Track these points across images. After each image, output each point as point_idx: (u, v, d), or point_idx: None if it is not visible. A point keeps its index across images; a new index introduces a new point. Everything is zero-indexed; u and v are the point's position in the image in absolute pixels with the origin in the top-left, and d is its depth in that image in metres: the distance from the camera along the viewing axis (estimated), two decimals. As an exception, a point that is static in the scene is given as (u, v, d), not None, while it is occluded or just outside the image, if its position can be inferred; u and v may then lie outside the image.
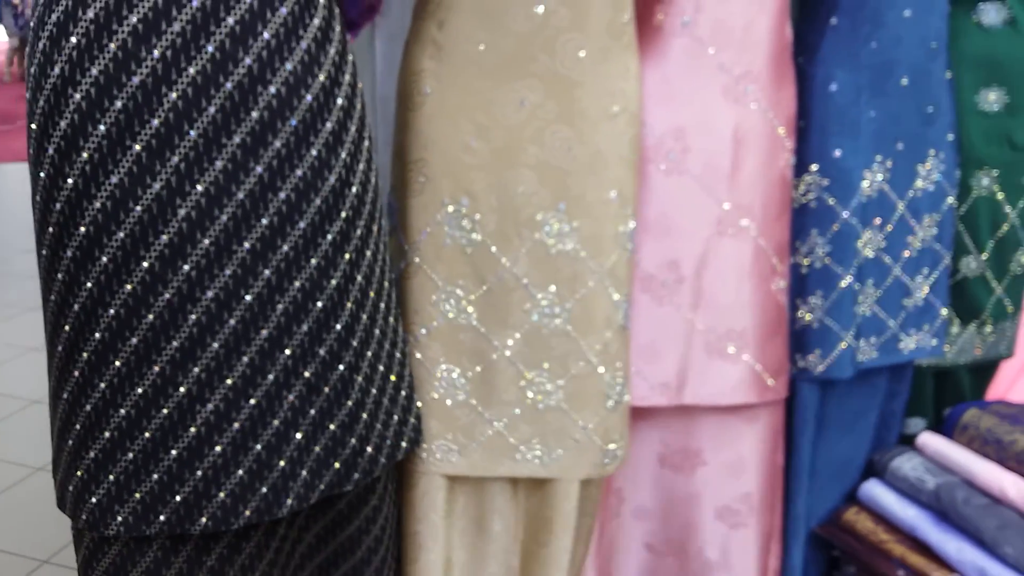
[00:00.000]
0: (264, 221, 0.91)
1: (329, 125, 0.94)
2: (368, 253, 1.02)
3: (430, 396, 1.22)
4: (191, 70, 0.85)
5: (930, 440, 1.71)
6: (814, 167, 1.48)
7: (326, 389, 0.98)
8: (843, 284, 1.50)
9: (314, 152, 0.93)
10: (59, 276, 0.88)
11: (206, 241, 0.89)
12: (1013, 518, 1.50)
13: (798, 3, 1.52)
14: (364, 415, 1.03)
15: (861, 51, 1.45)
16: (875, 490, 1.70)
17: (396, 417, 1.10)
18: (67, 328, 0.89)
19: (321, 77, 0.93)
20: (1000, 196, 1.69)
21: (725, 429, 1.47)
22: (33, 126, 0.87)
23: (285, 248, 0.92)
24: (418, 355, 1.20)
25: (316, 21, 0.93)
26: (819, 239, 1.50)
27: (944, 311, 1.64)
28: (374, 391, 1.05)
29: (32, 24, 0.88)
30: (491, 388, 1.22)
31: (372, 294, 1.03)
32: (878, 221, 1.53)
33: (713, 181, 1.34)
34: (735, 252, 1.37)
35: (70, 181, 0.85)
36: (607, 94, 1.14)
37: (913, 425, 1.84)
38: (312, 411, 0.98)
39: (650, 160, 1.32)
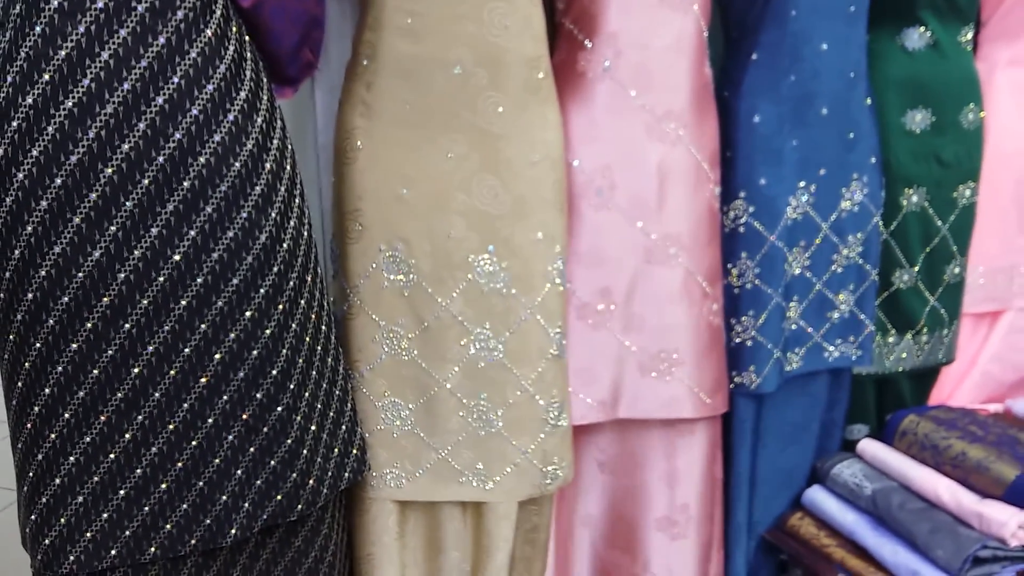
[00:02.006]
0: (199, 280, 0.99)
1: (258, 188, 1.02)
2: (302, 302, 1.10)
3: (377, 427, 1.30)
4: (125, 147, 0.94)
5: (869, 446, 1.79)
6: (742, 194, 1.57)
7: (264, 429, 1.07)
8: (771, 304, 1.59)
9: (244, 214, 1.01)
10: (11, 337, 0.97)
11: (145, 301, 0.97)
12: (946, 521, 1.56)
13: (722, 40, 1.61)
14: (304, 451, 1.12)
15: (781, 84, 1.53)
16: (817, 496, 1.78)
17: (337, 450, 1.19)
18: (19, 384, 0.98)
19: (249, 145, 1.01)
20: (931, 211, 1.77)
21: (659, 441, 1.56)
22: None
23: (220, 303, 1.01)
24: (364, 390, 1.29)
25: (243, 94, 1.01)
26: (749, 262, 1.59)
27: (869, 324, 1.73)
28: (313, 428, 1.13)
29: None
30: (434, 418, 1.30)
31: (308, 339, 1.11)
32: (803, 243, 1.62)
33: (640, 213, 1.42)
34: (663, 278, 1.46)
35: (16, 252, 0.94)
36: (527, 144, 1.23)
37: (856, 431, 1.92)
38: (252, 449, 1.07)
39: (581, 196, 1.40)
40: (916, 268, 1.79)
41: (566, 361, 1.36)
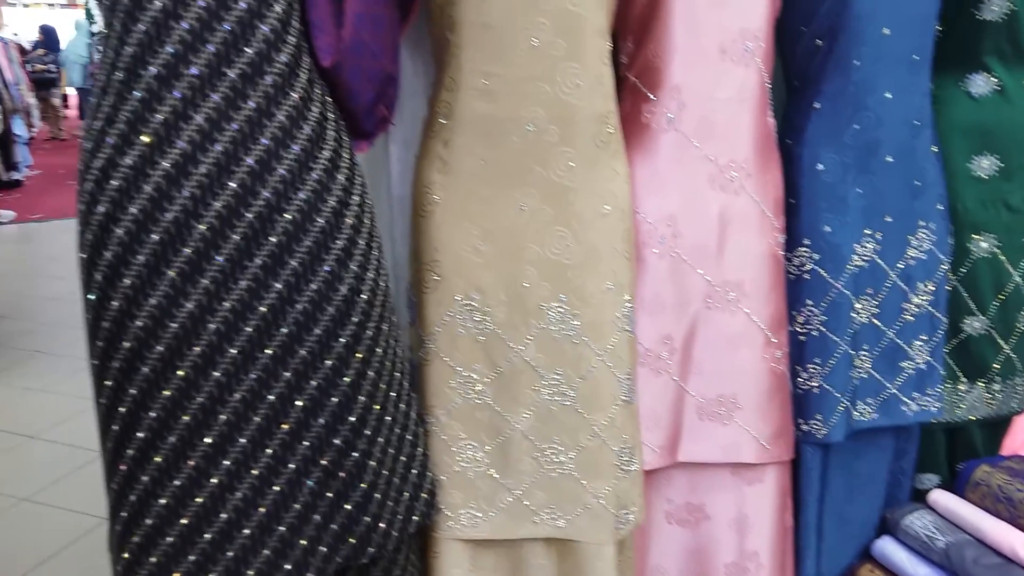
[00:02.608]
0: (284, 330, 1.04)
1: (340, 242, 1.07)
2: (379, 350, 1.14)
3: (453, 470, 1.33)
4: (217, 204, 1.00)
5: (941, 497, 1.75)
6: (806, 241, 1.57)
7: (342, 474, 1.11)
8: (839, 351, 1.58)
9: (326, 268, 1.06)
10: (107, 383, 1.02)
11: (233, 351, 1.02)
12: (1022, 578, 1.53)
13: (784, 87, 1.62)
14: (377, 495, 1.15)
15: (845, 132, 1.54)
16: (888, 547, 1.74)
17: (407, 494, 1.22)
18: (115, 428, 1.03)
19: (331, 201, 1.06)
20: (1002, 258, 1.74)
21: (725, 488, 1.55)
22: (83, 256, 1.02)
23: (303, 353, 1.05)
24: (440, 434, 1.32)
25: (325, 153, 1.07)
26: (814, 309, 1.58)
27: (944, 374, 1.70)
28: (386, 472, 1.17)
29: (79, 168, 1.03)
30: (508, 460, 1.33)
31: (383, 386, 1.15)
32: (870, 290, 1.61)
33: (701, 261, 1.44)
34: (724, 324, 1.47)
35: (115, 304, 1.00)
36: (598, 196, 1.26)
37: (926, 481, 1.88)
38: (329, 494, 1.10)
39: (644, 245, 1.42)
40: (988, 315, 1.76)
41: (636, 406, 1.38)
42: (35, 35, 10.16)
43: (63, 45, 10.00)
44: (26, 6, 12.80)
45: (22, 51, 9.07)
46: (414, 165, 1.28)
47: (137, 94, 0.97)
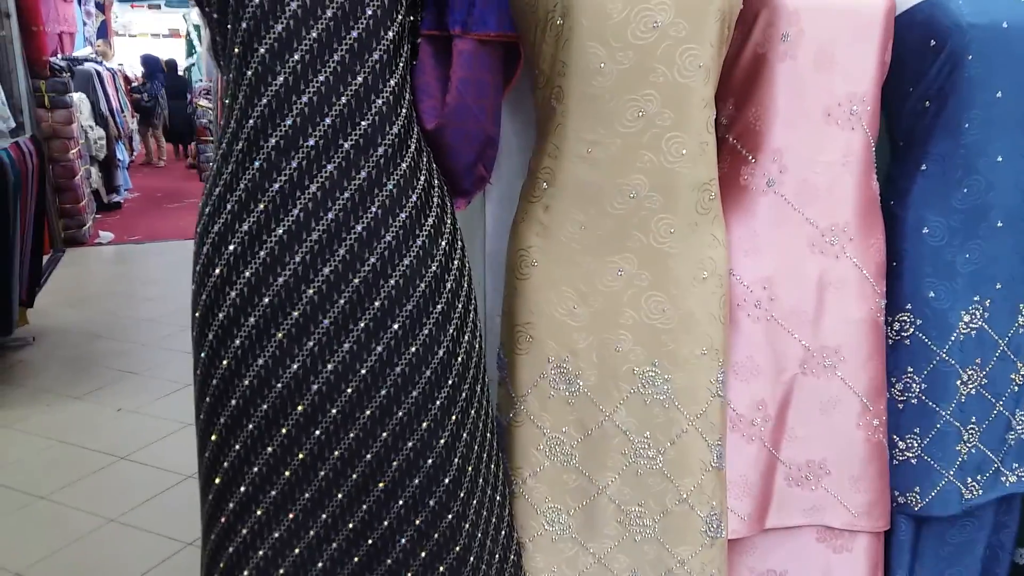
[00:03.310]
0: (383, 392, 1.06)
1: (439, 307, 1.09)
2: (472, 411, 1.15)
3: (537, 533, 1.33)
4: (326, 270, 1.02)
5: (1045, 575, 1.66)
6: (908, 307, 1.52)
7: (435, 535, 1.12)
8: (941, 422, 1.52)
9: (426, 331, 1.08)
10: (213, 438, 1.06)
11: (334, 410, 1.05)
12: None
13: (888, 147, 1.58)
14: (471, 557, 1.15)
15: (953, 196, 1.49)
16: (986, 625, 1.66)
17: (498, 556, 1.22)
18: (217, 481, 1.06)
19: (433, 267, 1.08)
20: (1116, 325, 1.66)
21: (810, 556, 1.51)
22: (197, 315, 1.06)
23: (400, 414, 1.07)
24: (526, 497, 1.32)
25: (430, 220, 1.09)
26: (916, 376, 1.53)
27: (1052, 445, 1.62)
28: (479, 535, 1.17)
29: (196, 234, 1.07)
30: (592, 523, 1.32)
31: (476, 447, 1.16)
32: (979, 360, 1.55)
33: (797, 325, 1.41)
34: (818, 390, 1.43)
35: (224, 362, 1.03)
36: (696, 262, 1.25)
37: (1027, 556, 1.79)
38: (423, 554, 1.11)
39: (739, 307, 1.40)
40: (1098, 384, 1.67)
41: (725, 473, 1.35)
42: (138, 65, 10.59)
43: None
44: (132, 36, 13.47)
45: (126, 80, 9.49)
46: (511, 225, 1.29)
47: (257, 164, 1.01)
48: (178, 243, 6.57)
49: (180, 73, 10.79)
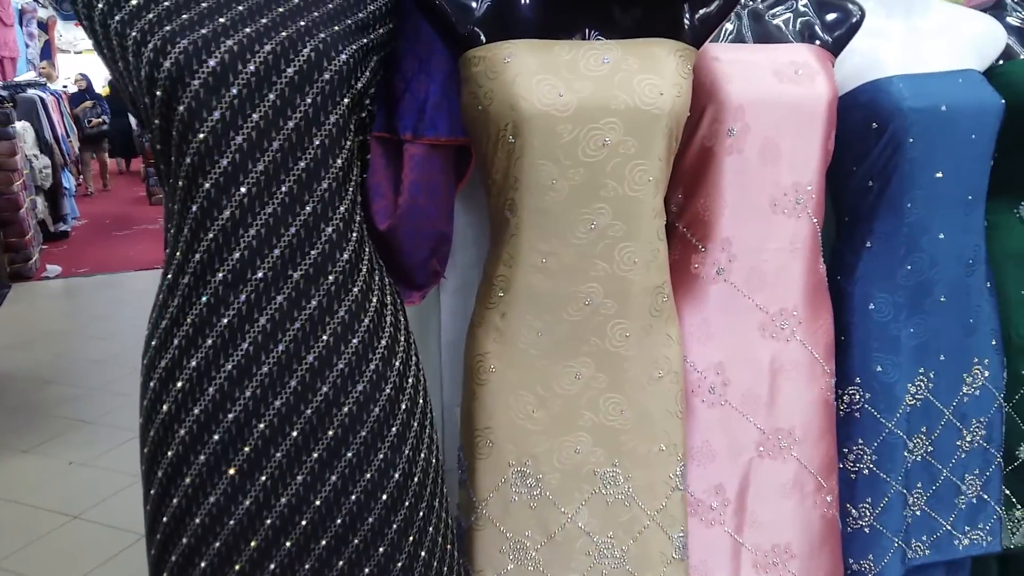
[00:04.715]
0: (338, 521, 1.05)
1: (394, 429, 1.08)
2: (431, 528, 1.14)
3: None
4: (277, 403, 1.01)
5: (996, 629, 1.71)
6: (857, 380, 1.55)
7: None
8: (891, 492, 1.55)
9: (380, 456, 1.07)
10: (165, 575, 1.03)
11: (288, 543, 1.03)
12: None
13: (835, 224, 1.61)
14: None
15: (897, 273, 1.52)
16: None
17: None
18: None
19: (387, 389, 1.07)
20: (1056, 384, 1.71)
21: None
22: (145, 450, 1.04)
23: (356, 542, 1.06)
24: None
25: (383, 341, 1.08)
26: (865, 448, 1.56)
27: (998, 508, 1.66)
28: None
29: (143, 366, 1.05)
30: None
31: (435, 563, 1.15)
32: (924, 429, 1.58)
33: (752, 409, 1.43)
34: (775, 472, 1.45)
35: (175, 501, 1.01)
36: (651, 362, 1.26)
37: (981, 609, 1.84)
38: None
39: (693, 393, 1.41)
40: (1043, 442, 1.72)
41: (687, 563, 1.36)
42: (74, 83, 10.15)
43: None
44: (78, 53, 13.13)
45: (70, 101, 9.23)
46: (467, 327, 1.29)
47: (204, 299, 0.99)
48: (127, 275, 6.44)
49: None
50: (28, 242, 6.18)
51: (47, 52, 9.69)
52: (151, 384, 1.03)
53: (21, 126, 6.46)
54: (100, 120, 9.62)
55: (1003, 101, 1.51)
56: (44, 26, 9.60)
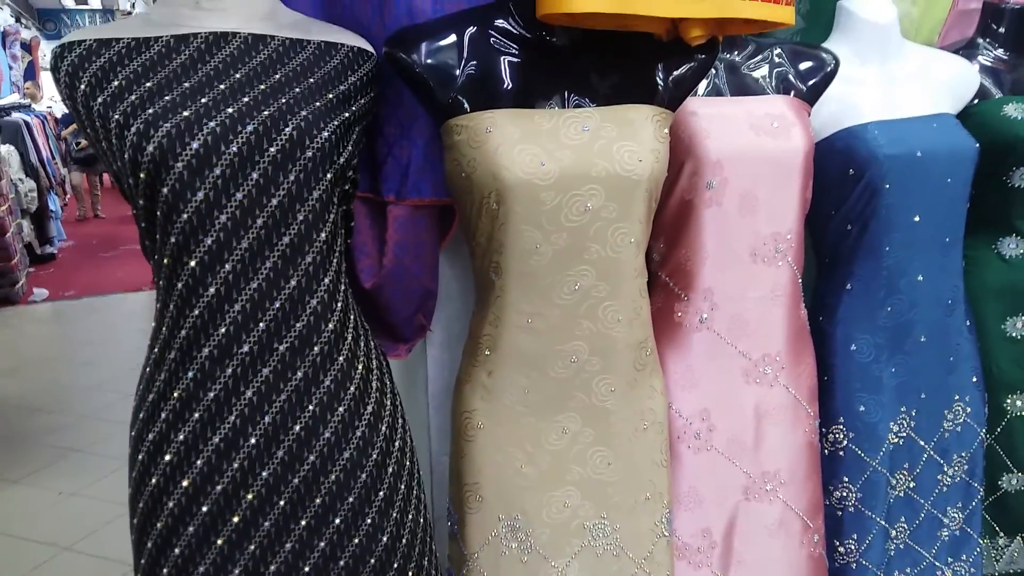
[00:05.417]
0: None
1: (381, 493, 1.09)
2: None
3: None
4: (264, 473, 1.02)
5: (981, 658, 1.73)
6: (841, 420, 1.58)
7: None
8: (876, 529, 1.57)
9: (368, 520, 1.08)
10: None
11: None
12: None
13: (816, 265, 1.64)
14: None
15: (877, 315, 1.55)
16: None
17: None
18: None
19: (374, 455, 1.09)
20: (1037, 415, 1.74)
21: None
22: (135, 521, 1.05)
23: None
24: None
25: (369, 407, 1.09)
26: (851, 487, 1.58)
27: (982, 541, 1.69)
28: None
29: (131, 438, 1.06)
30: None
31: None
32: (907, 465, 1.61)
33: (738, 454, 1.45)
34: (762, 514, 1.47)
35: (165, 571, 1.02)
36: (637, 414, 1.28)
37: (967, 636, 1.86)
38: None
39: (679, 440, 1.43)
40: (1025, 473, 1.75)
41: None
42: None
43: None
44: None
45: (56, 122, 9.16)
46: (454, 383, 1.30)
47: (191, 374, 1.00)
48: (115, 297, 6.41)
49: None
50: (15, 266, 6.16)
51: (31, 72, 9.67)
52: (139, 457, 1.04)
53: (6, 150, 6.44)
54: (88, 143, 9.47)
55: (977, 145, 1.54)
56: (27, 47, 9.58)
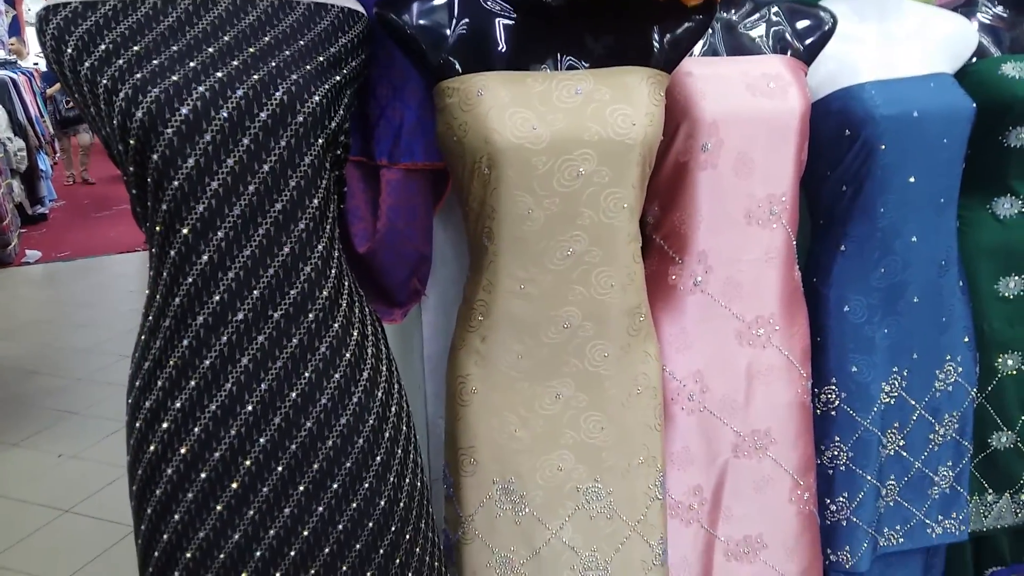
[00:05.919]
0: (326, 550, 1.07)
1: (378, 458, 1.10)
2: (417, 550, 1.17)
3: None
4: (262, 440, 1.03)
5: (969, 610, 1.77)
6: (833, 380, 1.59)
7: None
8: (867, 487, 1.60)
9: (366, 485, 1.09)
10: None
11: (278, 574, 1.05)
12: None
13: (811, 226, 1.63)
14: None
15: (871, 276, 1.55)
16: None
17: None
18: None
19: (371, 420, 1.09)
20: (1028, 374, 1.75)
21: None
22: (134, 488, 1.06)
23: (344, 568, 1.09)
24: None
25: (365, 373, 1.10)
26: (842, 446, 1.60)
27: (971, 499, 1.71)
28: None
29: (128, 405, 1.06)
30: None
31: (423, 584, 1.18)
32: (897, 424, 1.62)
33: (729, 414, 1.46)
34: (751, 471, 1.49)
35: (165, 536, 1.03)
36: (630, 379, 1.28)
37: (956, 589, 1.90)
38: None
39: (673, 402, 1.44)
40: (1015, 430, 1.77)
41: (667, 568, 1.40)
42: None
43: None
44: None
45: (42, 78, 8.99)
46: (449, 348, 1.30)
47: (186, 342, 1.00)
48: (108, 258, 6.37)
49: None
50: (6, 227, 6.12)
51: (15, 28, 9.48)
52: (137, 424, 1.04)
53: (-7, 109, 6.35)
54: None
55: (974, 105, 1.53)
56: (11, 1, 9.39)
